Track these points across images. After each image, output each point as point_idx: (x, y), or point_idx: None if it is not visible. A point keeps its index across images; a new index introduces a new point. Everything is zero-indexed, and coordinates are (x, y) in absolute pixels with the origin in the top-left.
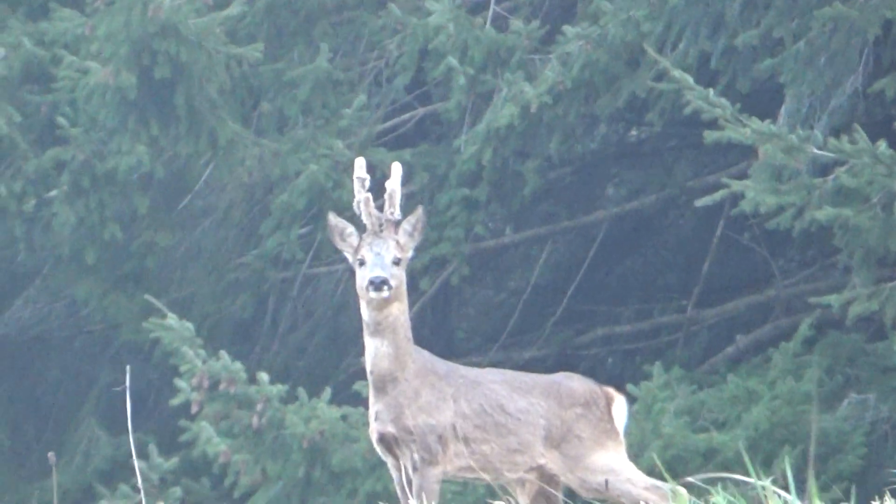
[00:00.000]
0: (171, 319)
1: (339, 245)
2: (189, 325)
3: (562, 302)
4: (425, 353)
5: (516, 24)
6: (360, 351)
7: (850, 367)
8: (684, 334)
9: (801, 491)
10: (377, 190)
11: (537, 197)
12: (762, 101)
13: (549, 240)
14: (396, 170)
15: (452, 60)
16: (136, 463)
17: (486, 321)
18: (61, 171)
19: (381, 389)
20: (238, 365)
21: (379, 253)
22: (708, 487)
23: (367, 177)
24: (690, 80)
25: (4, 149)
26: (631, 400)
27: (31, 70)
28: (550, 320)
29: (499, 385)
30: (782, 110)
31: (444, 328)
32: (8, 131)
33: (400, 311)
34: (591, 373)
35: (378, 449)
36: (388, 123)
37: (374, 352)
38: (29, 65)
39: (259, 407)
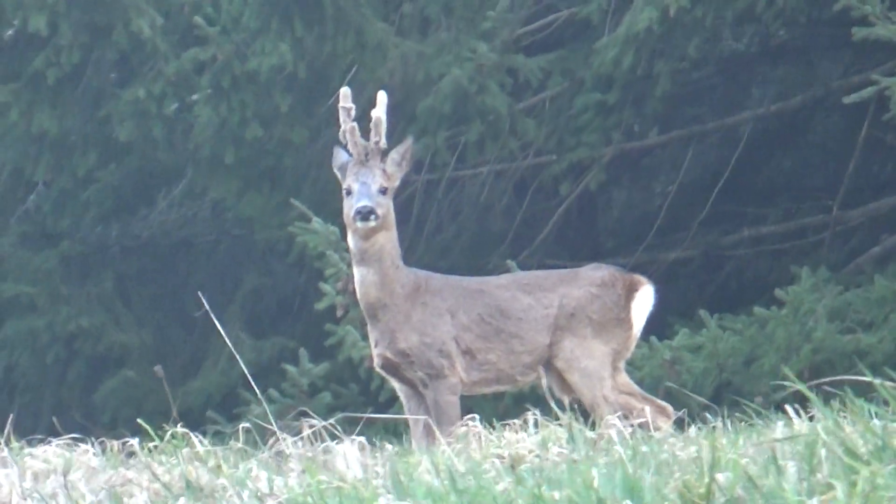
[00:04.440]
0: (317, 223)
1: (338, 174)
2: (334, 228)
3: (707, 203)
4: (419, 273)
5: None
6: (504, 252)
7: None
8: (830, 234)
9: None
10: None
11: (681, 98)
12: None
13: (695, 141)
14: (382, 99)
15: None
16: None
17: (631, 223)
18: (201, 73)
19: (373, 317)
20: None
21: (365, 182)
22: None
23: (352, 106)
24: None
25: (147, 52)
26: (779, 304)
27: None
28: (696, 221)
29: (503, 289)
30: None
31: (589, 231)
32: (150, 34)
33: (386, 240)
34: (737, 273)
35: (382, 374)
36: (531, 27)
37: (361, 280)
38: None
39: None
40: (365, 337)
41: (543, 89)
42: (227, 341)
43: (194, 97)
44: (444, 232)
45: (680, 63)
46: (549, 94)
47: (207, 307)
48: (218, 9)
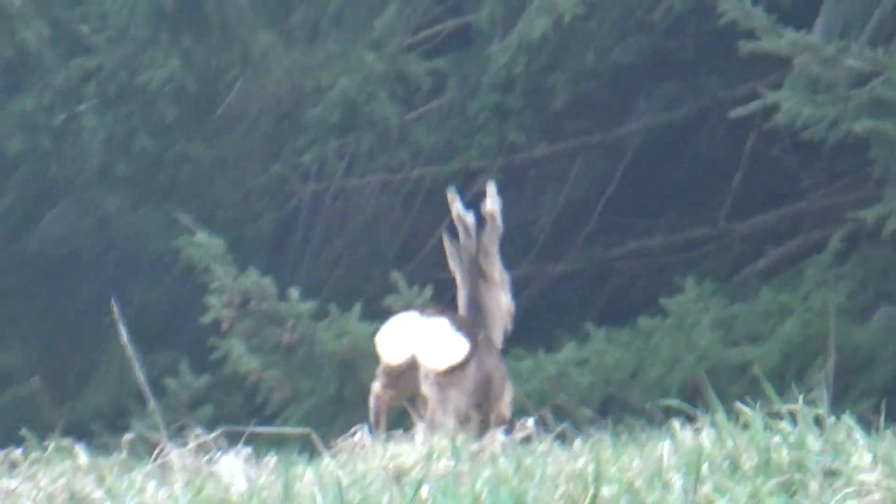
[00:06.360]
0: (201, 237)
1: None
2: (219, 241)
3: (593, 215)
4: None
5: None
6: (392, 264)
7: (883, 280)
8: (716, 247)
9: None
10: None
11: (568, 110)
12: (799, 13)
13: (581, 153)
14: (491, 191)
15: None
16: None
17: (517, 235)
18: (88, 82)
19: None
20: (268, 281)
21: None
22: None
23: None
24: None
25: (33, 63)
26: (664, 314)
27: None
28: (582, 234)
29: None
30: (818, 21)
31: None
32: (37, 46)
33: None
34: (625, 287)
35: None
36: (420, 35)
37: None
38: None
39: (290, 324)
40: (251, 350)
41: (437, 95)
42: (130, 350)
43: (81, 107)
44: (331, 244)
45: (576, 73)
46: (442, 100)
47: (118, 314)
48: (104, 19)
